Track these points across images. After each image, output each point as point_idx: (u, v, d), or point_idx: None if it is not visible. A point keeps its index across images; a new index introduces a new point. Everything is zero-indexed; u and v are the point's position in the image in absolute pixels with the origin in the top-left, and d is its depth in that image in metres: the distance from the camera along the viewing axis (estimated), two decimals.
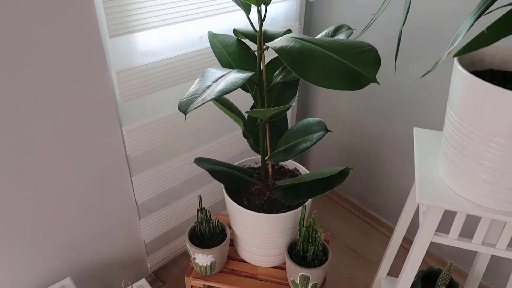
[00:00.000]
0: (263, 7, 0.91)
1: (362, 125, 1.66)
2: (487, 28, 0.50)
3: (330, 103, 1.76)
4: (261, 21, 0.92)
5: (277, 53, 0.81)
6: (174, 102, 1.28)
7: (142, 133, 1.22)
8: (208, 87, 0.87)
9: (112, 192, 1.24)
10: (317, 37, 1.01)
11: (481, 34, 0.50)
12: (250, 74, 0.88)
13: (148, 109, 1.23)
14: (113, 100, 1.12)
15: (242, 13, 1.34)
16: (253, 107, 1.13)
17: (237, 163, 1.26)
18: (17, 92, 0.93)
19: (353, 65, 0.78)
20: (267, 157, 1.11)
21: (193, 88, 0.88)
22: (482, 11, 0.54)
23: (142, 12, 1.06)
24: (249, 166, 1.28)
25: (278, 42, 0.85)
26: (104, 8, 0.98)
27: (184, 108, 0.83)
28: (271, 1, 1.21)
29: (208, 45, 1.28)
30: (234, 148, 1.57)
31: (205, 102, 0.81)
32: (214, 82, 0.88)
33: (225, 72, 0.92)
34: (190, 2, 1.16)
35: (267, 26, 1.46)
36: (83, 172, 1.14)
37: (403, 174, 1.59)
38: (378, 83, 0.75)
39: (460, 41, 0.58)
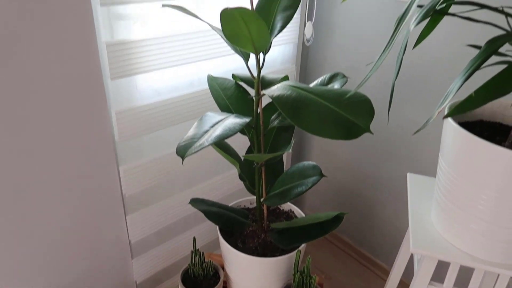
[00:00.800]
0: (261, 55, 0.94)
1: (357, 165, 1.68)
2: (475, 92, 0.52)
3: (325, 143, 1.78)
4: (259, 68, 0.95)
5: (274, 102, 0.83)
6: (171, 142, 1.29)
7: (138, 172, 1.23)
8: (206, 132, 0.88)
9: (105, 230, 1.23)
10: (312, 84, 1.04)
11: (469, 97, 0.52)
12: (247, 119, 0.90)
13: (145, 149, 1.24)
14: (111, 139, 1.13)
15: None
16: (249, 149, 1.15)
17: (232, 203, 1.26)
18: (16, 127, 0.94)
19: (348, 115, 0.81)
20: (263, 199, 1.11)
21: (191, 132, 0.90)
22: (470, 73, 0.57)
23: (144, 56, 1.10)
24: (244, 206, 1.28)
25: (275, 90, 0.87)
26: (108, 52, 1.01)
27: (182, 152, 0.85)
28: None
29: (207, 86, 1.31)
30: (230, 186, 1.57)
31: (202, 148, 0.82)
32: (212, 127, 0.90)
33: (223, 117, 0.94)
34: (191, 46, 1.20)
35: (265, 68, 1.50)
36: (76, 209, 1.13)
37: (398, 216, 1.59)
38: (372, 133, 0.78)
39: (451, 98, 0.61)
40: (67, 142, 1.04)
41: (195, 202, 1.14)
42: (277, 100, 0.83)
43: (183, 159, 0.82)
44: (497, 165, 0.68)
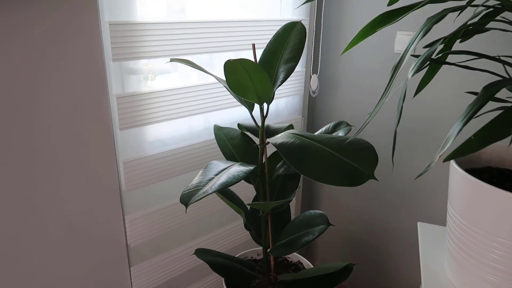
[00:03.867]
0: (265, 105, 0.96)
1: (367, 215, 1.64)
2: (474, 135, 0.52)
3: (334, 192, 1.76)
4: (263, 118, 0.97)
5: (277, 149, 0.84)
6: (178, 191, 1.30)
7: (144, 222, 1.22)
8: (210, 180, 0.89)
9: (109, 282, 1.20)
10: (317, 133, 1.06)
11: (469, 141, 0.52)
12: (252, 167, 0.91)
13: (152, 198, 1.24)
14: (117, 189, 1.14)
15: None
16: (255, 198, 1.14)
17: (239, 254, 1.23)
18: (28, 177, 0.96)
19: (352, 162, 0.81)
20: (269, 249, 1.08)
21: (196, 180, 0.90)
22: (469, 118, 0.57)
23: (153, 107, 1.13)
24: (251, 257, 1.25)
25: (278, 138, 0.89)
26: (117, 104, 1.05)
27: (185, 200, 0.85)
28: (275, 97, 1.28)
29: (213, 136, 1.33)
30: (237, 237, 1.54)
31: (206, 195, 0.82)
32: (217, 175, 0.90)
33: (228, 165, 0.94)
34: (198, 98, 1.23)
35: (273, 119, 1.53)
36: (80, 261, 1.12)
37: (411, 268, 1.53)
38: (376, 179, 0.77)
39: (452, 143, 0.60)
40: (74, 191, 1.05)
41: (200, 252, 1.11)
42: (280, 148, 0.84)
43: (186, 207, 0.81)
44: (508, 212, 0.66)
